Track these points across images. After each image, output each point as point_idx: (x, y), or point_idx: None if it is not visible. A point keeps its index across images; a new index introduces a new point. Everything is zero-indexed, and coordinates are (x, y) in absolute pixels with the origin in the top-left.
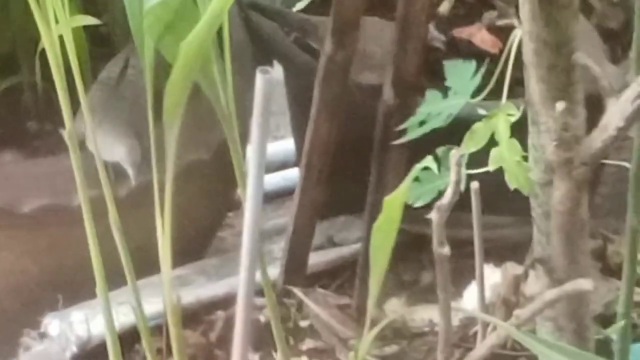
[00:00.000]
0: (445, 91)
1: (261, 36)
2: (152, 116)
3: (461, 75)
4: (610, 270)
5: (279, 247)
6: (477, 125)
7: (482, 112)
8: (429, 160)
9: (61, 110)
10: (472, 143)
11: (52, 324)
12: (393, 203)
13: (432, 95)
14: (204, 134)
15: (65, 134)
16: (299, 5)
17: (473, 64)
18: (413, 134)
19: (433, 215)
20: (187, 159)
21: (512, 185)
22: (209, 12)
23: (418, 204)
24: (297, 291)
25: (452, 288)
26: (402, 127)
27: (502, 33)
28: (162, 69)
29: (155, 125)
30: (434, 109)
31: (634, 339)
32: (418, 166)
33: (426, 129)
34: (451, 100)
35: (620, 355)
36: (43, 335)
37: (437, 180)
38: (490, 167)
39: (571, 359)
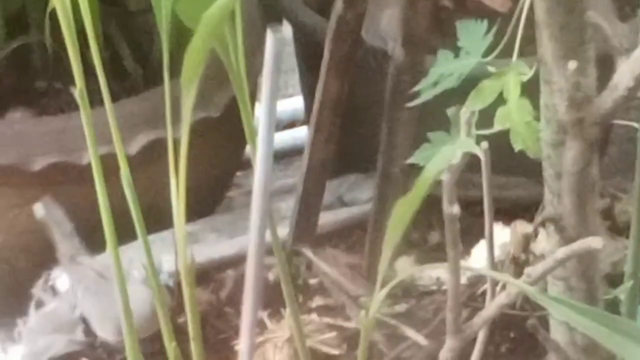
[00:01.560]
0: (457, 51)
1: None
2: (167, 76)
3: (473, 35)
4: (618, 229)
5: (287, 206)
6: (485, 83)
7: (493, 71)
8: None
9: (71, 69)
10: (478, 100)
11: (61, 277)
12: (425, 180)
13: (443, 56)
14: (213, 92)
15: (76, 92)
16: None
17: (485, 23)
18: (426, 95)
19: (443, 176)
20: (197, 116)
21: (516, 146)
22: None
23: (424, 163)
24: (307, 250)
25: (461, 247)
26: (415, 89)
27: None
28: (175, 27)
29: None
30: (446, 70)
31: None
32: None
33: (438, 89)
34: (463, 60)
35: (627, 315)
36: (52, 290)
37: (448, 141)
38: (496, 127)
39: (585, 316)
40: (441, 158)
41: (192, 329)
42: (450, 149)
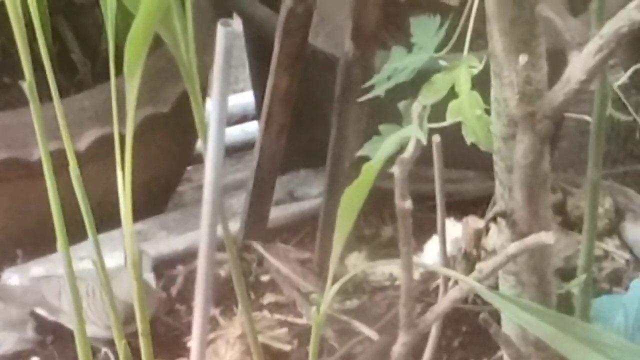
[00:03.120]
0: (410, 47)
1: None
2: (113, 69)
3: (426, 31)
4: (570, 224)
5: (239, 202)
6: (437, 77)
7: (444, 64)
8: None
9: (20, 63)
10: (430, 94)
11: (11, 278)
12: (370, 169)
13: (397, 51)
14: (163, 87)
15: (25, 86)
16: None
17: (437, 19)
18: (379, 90)
19: (395, 169)
20: (146, 111)
21: (468, 139)
22: None
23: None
24: (258, 246)
25: (414, 242)
26: (368, 84)
27: None
28: (123, 22)
29: (115, 78)
30: (400, 65)
31: (594, 293)
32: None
33: (390, 84)
34: (416, 55)
35: (581, 310)
36: (4, 289)
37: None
38: (448, 120)
39: (533, 315)
40: (388, 146)
41: (141, 326)
42: (397, 137)
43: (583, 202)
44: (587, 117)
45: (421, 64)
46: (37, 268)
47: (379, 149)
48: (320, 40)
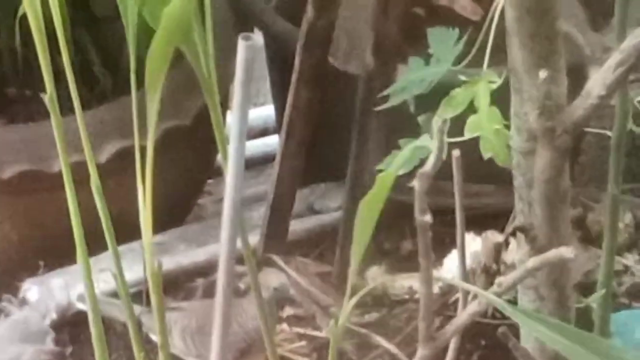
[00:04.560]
0: (427, 58)
1: (242, 2)
2: (134, 82)
3: (444, 43)
4: (590, 239)
5: (259, 215)
6: (456, 91)
7: (464, 79)
8: (425, 139)
9: (41, 76)
10: (449, 108)
11: (31, 290)
12: (385, 179)
13: (414, 62)
14: (184, 100)
15: (46, 98)
16: None
17: (456, 31)
18: (395, 100)
19: (415, 183)
20: (167, 124)
21: (485, 154)
22: None
23: (400, 172)
24: (277, 259)
25: (433, 256)
26: (384, 93)
27: (483, 0)
28: (145, 34)
29: (137, 91)
30: (416, 76)
31: (614, 308)
32: (411, 144)
33: (407, 95)
34: (433, 67)
35: (600, 324)
36: (22, 302)
37: (420, 149)
38: (467, 135)
39: (551, 330)
40: (402, 157)
41: (160, 338)
42: (412, 147)
43: (603, 217)
44: (607, 132)
45: (439, 76)
46: (56, 279)
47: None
48: (339, 57)
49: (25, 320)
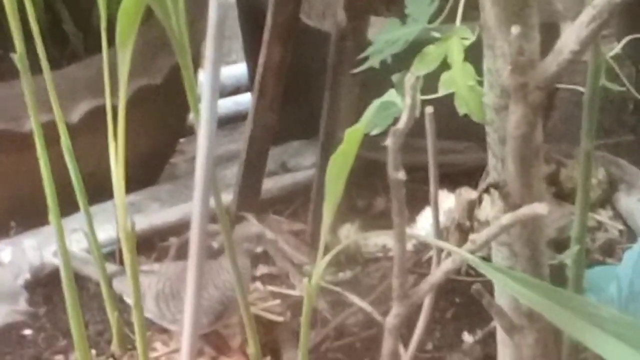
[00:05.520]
0: (404, 19)
1: None
2: (105, 41)
3: (419, 1)
4: (563, 195)
5: (232, 174)
6: (429, 48)
7: (436, 35)
8: (391, 94)
9: (11, 35)
10: (422, 66)
11: (3, 250)
12: (353, 135)
13: (391, 23)
14: (155, 59)
15: (16, 58)
16: None
17: None
18: (371, 62)
19: (388, 141)
20: (139, 83)
21: (461, 110)
22: None
23: (375, 132)
24: (251, 217)
25: (407, 213)
26: (361, 56)
27: None
28: None
29: (108, 50)
30: (392, 36)
31: (587, 264)
32: (378, 100)
33: (383, 56)
34: (409, 27)
35: (574, 281)
36: None
37: (393, 107)
38: (441, 92)
39: (525, 287)
40: (371, 112)
41: (133, 297)
42: (378, 103)
43: (576, 173)
44: (580, 88)
45: (414, 35)
46: (29, 240)
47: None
48: (312, 15)
49: None
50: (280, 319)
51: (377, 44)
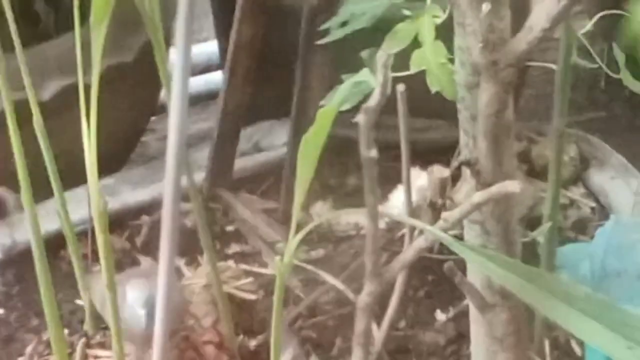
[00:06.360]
0: None
1: None
2: (78, 17)
3: None
4: (535, 172)
5: (204, 156)
6: (400, 26)
7: (407, 13)
8: (365, 74)
9: None
10: (394, 43)
11: None
12: (326, 115)
13: None
14: (126, 37)
15: None
16: None
17: None
18: (336, 34)
19: (360, 118)
20: (110, 61)
21: (433, 88)
22: None
23: (344, 108)
24: (224, 193)
25: (379, 191)
26: (324, 26)
27: None
28: None
29: (80, 28)
30: (358, 9)
31: (559, 242)
32: (351, 78)
33: (349, 29)
34: (376, 0)
35: (546, 258)
36: None
37: (364, 84)
38: (412, 69)
39: (497, 265)
40: (343, 91)
41: (106, 277)
42: (351, 82)
43: (548, 150)
44: (552, 66)
45: (381, 9)
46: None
47: (344, 99)
48: None
49: None
50: (253, 297)
51: (342, 15)
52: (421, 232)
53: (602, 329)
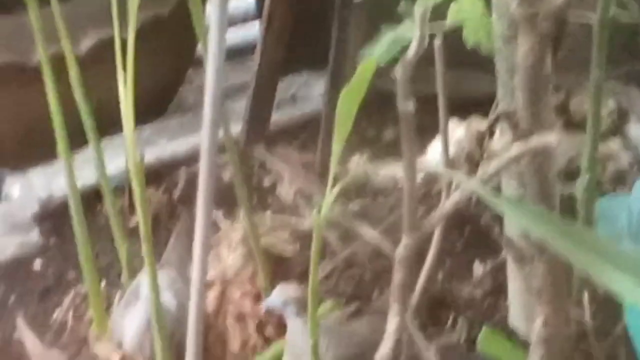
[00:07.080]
0: None
1: None
2: None
3: None
4: (573, 125)
5: (241, 106)
6: None
7: None
8: (407, 27)
9: None
10: None
11: (13, 185)
12: (366, 68)
13: None
14: None
15: None
16: None
17: None
18: None
19: (397, 71)
20: (146, 14)
21: (469, 40)
22: None
23: (383, 61)
24: (261, 146)
25: (417, 144)
26: None
27: None
28: None
29: None
30: None
31: (598, 194)
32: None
33: None
34: None
35: (585, 210)
36: (6, 197)
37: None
38: (449, 21)
39: (535, 218)
40: (384, 44)
41: (143, 230)
42: (392, 35)
43: (586, 103)
44: (591, 17)
45: None
46: (38, 173)
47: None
48: None
49: (9, 213)
50: (289, 250)
51: None
52: (459, 185)
53: (638, 284)
